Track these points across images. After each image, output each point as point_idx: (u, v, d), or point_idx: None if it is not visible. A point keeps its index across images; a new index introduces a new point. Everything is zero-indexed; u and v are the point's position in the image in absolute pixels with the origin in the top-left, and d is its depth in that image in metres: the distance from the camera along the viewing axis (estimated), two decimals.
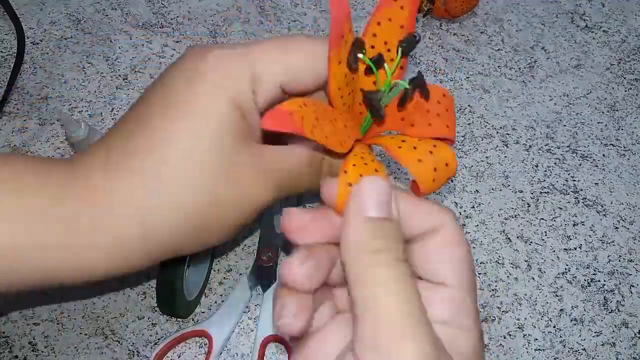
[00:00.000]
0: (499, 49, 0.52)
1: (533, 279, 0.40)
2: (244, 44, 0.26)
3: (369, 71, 0.26)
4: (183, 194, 0.25)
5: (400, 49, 0.25)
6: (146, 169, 0.24)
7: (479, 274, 0.40)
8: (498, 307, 0.39)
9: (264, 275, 0.38)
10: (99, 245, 0.24)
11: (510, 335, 0.38)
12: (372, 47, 0.26)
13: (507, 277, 0.40)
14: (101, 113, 0.46)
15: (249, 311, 0.38)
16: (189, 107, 0.25)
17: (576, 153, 0.46)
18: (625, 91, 0.50)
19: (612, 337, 0.38)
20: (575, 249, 0.42)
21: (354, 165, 0.24)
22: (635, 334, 0.39)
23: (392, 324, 0.20)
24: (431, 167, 0.25)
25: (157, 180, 0.24)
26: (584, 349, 0.38)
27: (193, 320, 0.37)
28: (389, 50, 0.26)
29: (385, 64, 0.25)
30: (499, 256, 0.41)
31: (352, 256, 0.22)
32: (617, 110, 0.49)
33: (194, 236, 0.26)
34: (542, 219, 0.43)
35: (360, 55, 0.25)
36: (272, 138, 0.27)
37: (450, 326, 0.22)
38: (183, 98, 0.25)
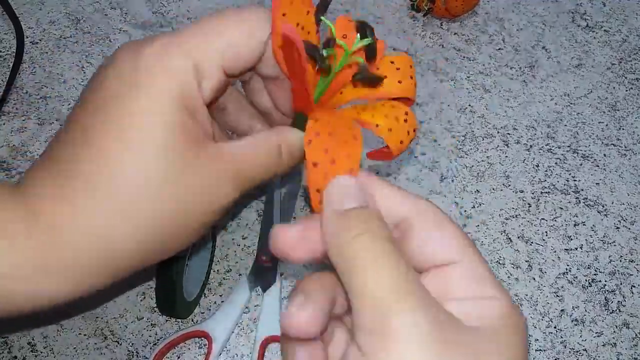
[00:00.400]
0: (499, 49, 0.52)
1: (534, 279, 0.40)
2: (177, 32, 0.25)
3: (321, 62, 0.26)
4: (139, 211, 0.24)
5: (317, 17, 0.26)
6: (97, 192, 0.23)
7: None
8: None
9: (263, 275, 0.38)
10: (55, 272, 0.24)
11: None
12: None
13: (508, 277, 0.40)
14: None
15: (248, 311, 0.38)
16: (132, 119, 0.23)
17: (577, 153, 0.46)
18: (626, 91, 0.50)
19: (613, 338, 0.38)
20: (576, 249, 0.42)
21: (316, 135, 0.23)
22: (636, 335, 0.38)
23: (380, 303, 0.20)
24: (399, 134, 0.26)
25: (111, 202, 0.23)
26: (584, 350, 0.38)
27: (192, 320, 0.37)
28: (302, 29, 0.26)
29: (338, 40, 0.25)
30: (500, 256, 0.41)
31: (336, 248, 0.21)
32: (618, 110, 0.49)
33: (158, 247, 0.25)
34: (543, 219, 0.43)
35: (324, 52, 0.25)
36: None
37: (472, 300, 0.22)
38: (124, 108, 0.23)
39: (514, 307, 0.22)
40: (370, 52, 0.26)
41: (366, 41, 0.25)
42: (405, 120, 0.26)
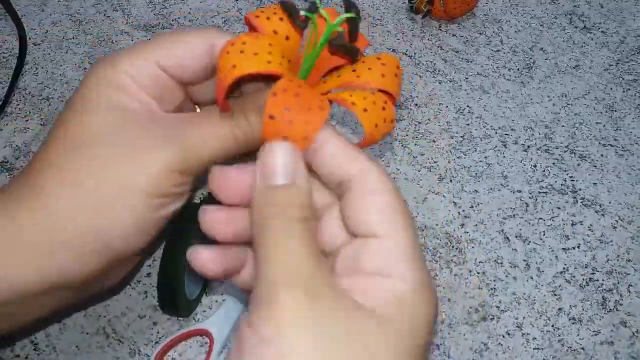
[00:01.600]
0: (497, 50, 0.52)
1: (532, 278, 0.40)
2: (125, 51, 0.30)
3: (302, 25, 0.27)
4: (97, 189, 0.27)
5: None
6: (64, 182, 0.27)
7: (478, 273, 0.40)
8: (497, 307, 0.39)
9: None
10: (21, 254, 0.27)
11: (509, 334, 0.38)
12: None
13: (506, 276, 0.40)
14: None
15: None
16: (86, 119, 0.28)
17: (574, 153, 0.47)
18: (624, 92, 0.50)
19: (611, 336, 0.38)
20: (574, 248, 0.42)
21: (284, 90, 0.24)
22: (633, 333, 0.39)
23: (271, 281, 0.21)
24: (375, 116, 0.26)
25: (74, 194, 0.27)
26: (582, 348, 0.38)
27: (194, 319, 0.38)
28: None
29: (320, 10, 0.26)
30: (498, 256, 0.41)
31: (256, 222, 0.23)
32: (615, 111, 0.49)
33: (115, 218, 0.28)
34: (541, 218, 0.43)
35: (302, 13, 0.26)
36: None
37: (379, 276, 0.22)
38: (80, 115, 0.29)
39: (419, 292, 0.22)
40: (353, 28, 0.26)
41: (349, 15, 0.26)
42: (384, 109, 0.26)
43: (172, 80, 0.30)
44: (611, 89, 0.50)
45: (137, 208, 0.28)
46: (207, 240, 0.39)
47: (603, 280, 0.41)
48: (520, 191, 0.44)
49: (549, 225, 0.43)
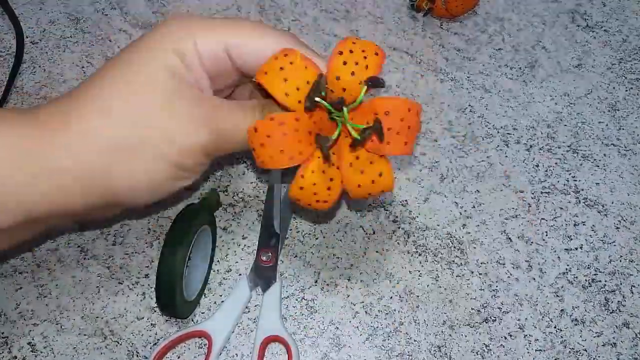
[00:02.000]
0: (499, 49, 0.52)
1: (534, 279, 0.40)
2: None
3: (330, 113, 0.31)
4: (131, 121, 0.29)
5: (365, 86, 0.29)
6: (108, 107, 0.29)
7: (480, 274, 0.40)
8: (499, 308, 0.39)
9: (263, 275, 0.38)
10: (70, 171, 0.28)
11: (511, 335, 0.38)
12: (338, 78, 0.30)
13: (508, 277, 0.40)
14: None
15: (248, 311, 0.38)
16: (138, 68, 0.30)
17: (577, 153, 0.46)
18: (626, 91, 0.50)
19: (613, 338, 0.38)
20: (576, 249, 0.42)
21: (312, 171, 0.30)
22: (636, 335, 0.38)
23: None
24: (366, 194, 0.31)
25: (119, 113, 0.29)
26: (585, 350, 0.38)
27: (192, 320, 0.37)
28: (344, 90, 0.30)
29: (345, 110, 0.29)
30: (500, 256, 0.41)
31: None
32: (618, 110, 0.49)
33: (126, 171, 0.29)
34: (543, 219, 0.43)
35: (317, 99, 0.29)
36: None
37: None
38: (134, 61, 0.30)
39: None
40: (376, 133, 0.30)
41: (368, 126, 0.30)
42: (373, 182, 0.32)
43: (232, 65, 0.32)
44: (614, 88, 0.50)
45: (154, 171, 0.29)
46: (206, 241, 0.38)
47: (606, 281, 0.40)
48: (522, 191, 0.44)
49: (551, 226, 0.42)
